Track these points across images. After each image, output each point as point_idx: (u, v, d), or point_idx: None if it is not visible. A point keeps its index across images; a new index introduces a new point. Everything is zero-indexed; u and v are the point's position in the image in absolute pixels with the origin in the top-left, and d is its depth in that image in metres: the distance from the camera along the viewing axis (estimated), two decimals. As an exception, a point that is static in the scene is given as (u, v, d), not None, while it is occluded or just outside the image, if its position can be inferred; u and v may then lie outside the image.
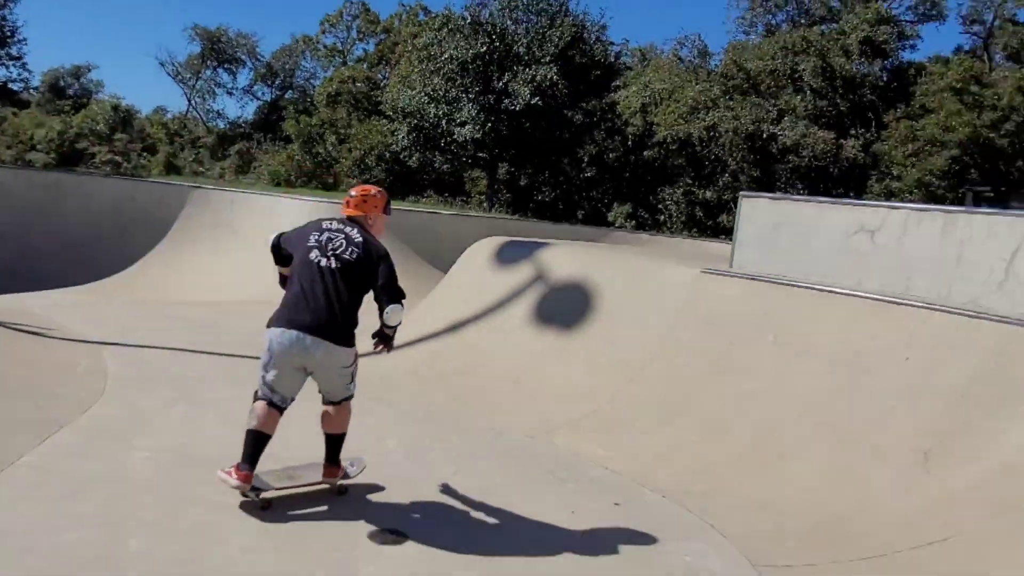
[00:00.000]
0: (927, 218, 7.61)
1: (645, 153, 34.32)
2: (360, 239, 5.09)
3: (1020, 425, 5.28)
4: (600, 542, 5.12)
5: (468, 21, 32.25)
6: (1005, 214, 7.29)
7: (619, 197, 35.37)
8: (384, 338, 5.04)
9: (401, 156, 34.79)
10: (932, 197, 27.07)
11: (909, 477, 5.45)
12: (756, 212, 9.59)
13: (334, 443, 5.24)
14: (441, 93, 32.15)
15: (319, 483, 5.29)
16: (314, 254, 4.99)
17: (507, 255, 11.88)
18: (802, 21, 36.22)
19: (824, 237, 8.54)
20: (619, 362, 8.59)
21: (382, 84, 44.89)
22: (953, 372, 6.07)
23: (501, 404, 8.48)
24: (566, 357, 9.19)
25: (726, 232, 27.61)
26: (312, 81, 58.19)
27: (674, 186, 33.45)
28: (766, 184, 30.10)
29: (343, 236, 5.09)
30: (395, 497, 5.49)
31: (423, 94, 32.33)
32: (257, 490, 4.95)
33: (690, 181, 33.17)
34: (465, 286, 11.96)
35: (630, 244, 21.54)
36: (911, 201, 26.78)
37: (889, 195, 28.18)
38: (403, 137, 33.30)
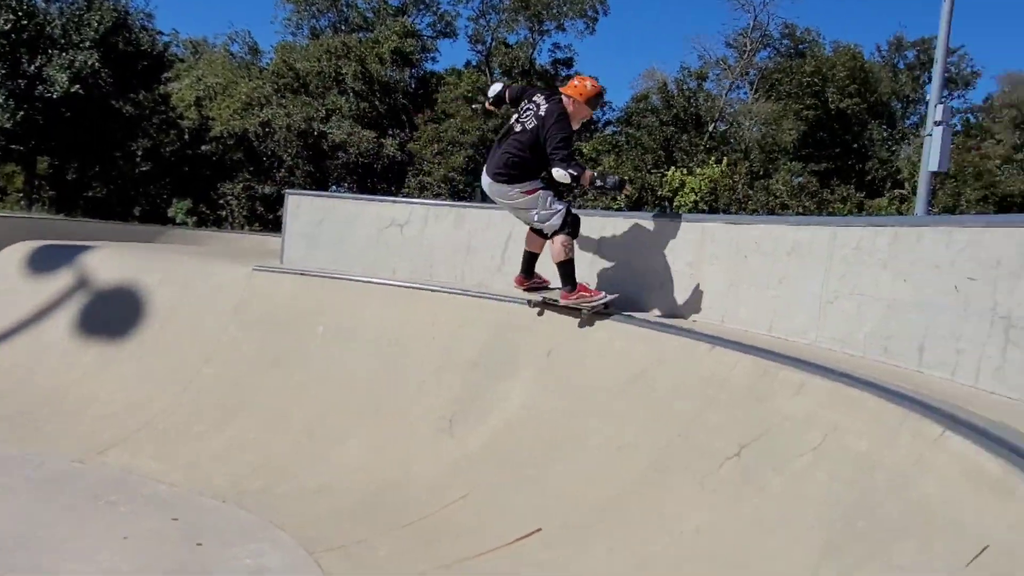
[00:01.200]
0: (443, 212, 8.22)
1: (203, 147, 32.26)
2: (544, 113, 5.89)
3: (518, 386, 5.97)
4: (156, 561, 4.63)
5: (-15, -7, 26.90)
6: (501, 208, 8.16)
7: (179, 192, 32.82)
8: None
9: (-93, 148, 27.97)
10: (455, 191, 29.76)
11: (438, 444, 5.84)
12: (301, 209, 9.48)
13: (561, 269, 6.15)
14: (-44, 73, 26.44)
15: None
16: (513, 121, 6.17)
17: (43, 261, 10.20)
18: (342, 28, 36.98)
19: (363, 230, 8.75)
20: (174, 368, 7.88)
21: None
22: (467, 346, 6.64)
23: (42, 428, 7.24)
24: (116, 368, 8.17)
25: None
26: None
27: (234, 181, 32.02)
28: (321, 179, 30.35)
29: (534, 107, 6.00)
30: None
31: (-66, 74, 26.29)
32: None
33: (249, 176, 32.05)
34: (-7, 298, 9.99)
35: (192, 242, 20.02)
36: (439, 195, 29.17)
37: (423, 189, 30.30)
38: (-92, 124, 26.75)
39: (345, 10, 37.77)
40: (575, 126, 6.05)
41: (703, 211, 25.03)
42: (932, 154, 14.03)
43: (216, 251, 13.78)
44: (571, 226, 6.03)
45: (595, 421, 5.27)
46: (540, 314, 6.51)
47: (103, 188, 33.52)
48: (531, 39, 37.13)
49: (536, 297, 6.48)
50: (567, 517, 4.52)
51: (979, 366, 3.91)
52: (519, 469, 5.09)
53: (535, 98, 6.11)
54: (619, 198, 23.60)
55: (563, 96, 6.04)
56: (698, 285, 6.18)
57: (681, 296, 6.31)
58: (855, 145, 36.15)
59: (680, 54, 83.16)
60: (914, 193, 19.79)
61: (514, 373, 6.10)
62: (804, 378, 4.21)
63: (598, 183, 5.80)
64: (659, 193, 26.85)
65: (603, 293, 6.06)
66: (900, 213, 26.98)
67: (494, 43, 37.42)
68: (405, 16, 36.24)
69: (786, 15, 55.37)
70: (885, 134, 36.07)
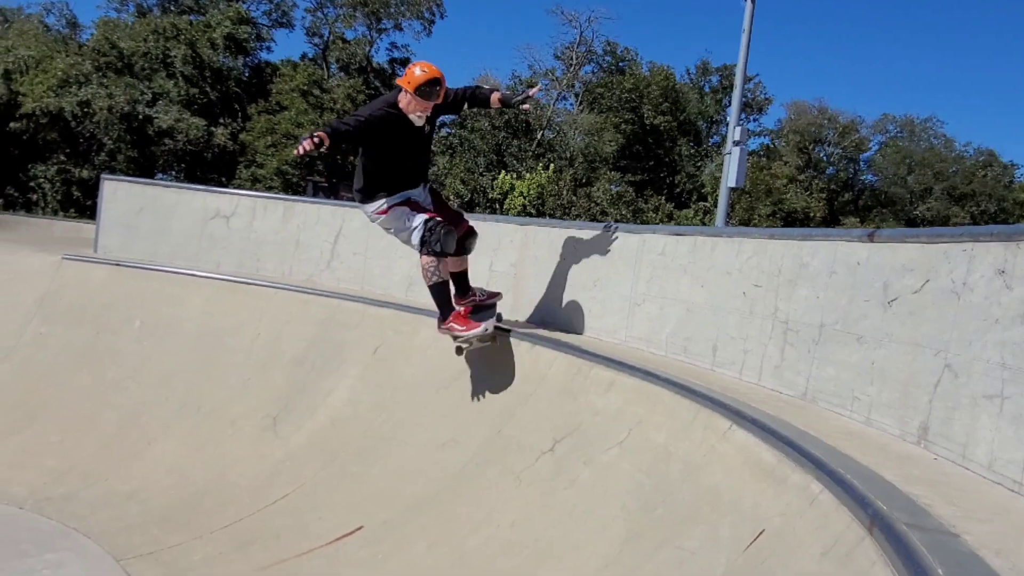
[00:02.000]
0: (272, 205, 7.81)
1: (11, 125, 28.74)
2: None
3: (344, 383, 5.77)
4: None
5: None
6: (331, 203, 7.89)
7: (-17, 173, 29.12)
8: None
9: None
10: (288, 184, 28.55)
11: (261, 443, 5.53)
12: (119, 196, 8.67)
13: (431, 291, 5.02)
14: None
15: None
16: None
17: None
18: (172, 8, 34.32)
19: (186, 221, 8.13)
20: (-38, 364, 6.96)
21: None
22: (294, 342, 6.35)
23: None
24: None
25: (104, 211, 24.86)
26: None
27: (47, 163, 28.82)
28: (145, 166, 28.04)
29: None
30: None
31: None
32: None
33: (65, 159, 28.96)
34: None
35: (-8, 225, 17.80)
36: (272, 188, 27.88)
37: (255, 181, 28.80)
38: None
39: (176, -11, 35.13)
40: (419, 114, 4.88)
41: (530, 215, 25.62)
42: (731, 171, 15.11)
43: (22, 237, 12.32)
44: (431, 243, 4.83)
45: (419, 418, 5.19)
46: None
47: None
48: (369, 37, 36.31)
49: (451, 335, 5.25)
50: (388, 514, 4.42)
51: (762, 364, 4.21)
52: (343, 467, 4.92)
53: None
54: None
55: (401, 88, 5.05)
56: (521, 286, 6.26)
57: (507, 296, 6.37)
58: (667, 159, 38.41)
59: (512, 63, 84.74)
60: (715, 206, 21.31)
61: (340, 370, 5.89)
62: (614, 376, 4.36)
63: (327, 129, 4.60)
64: (490, 195, 27.16)
65: (481, 326, 5.02)
66: (703, 224, 28.96)
67: (331, 37, 36.22)
68: (239, 1, 34.22)
69: (609, 33, 57.73)
70: (692, 150, 38.59)
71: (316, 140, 4.19)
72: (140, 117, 28.42)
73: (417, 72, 4.80)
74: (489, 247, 6.47)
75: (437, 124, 5.24)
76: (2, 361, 6.89)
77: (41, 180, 28.56)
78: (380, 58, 37.49)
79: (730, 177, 15.20)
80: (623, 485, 3.58)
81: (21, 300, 7.59)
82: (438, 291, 4.98)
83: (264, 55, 35.92)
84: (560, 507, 3.74)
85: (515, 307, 6.29)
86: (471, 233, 5.21)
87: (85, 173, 28.29)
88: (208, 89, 31.18)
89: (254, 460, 5.35)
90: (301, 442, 5.35)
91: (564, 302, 5.94)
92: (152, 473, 5.53)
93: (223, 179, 28.75)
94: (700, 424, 3.51)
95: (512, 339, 5.39)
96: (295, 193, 27.62)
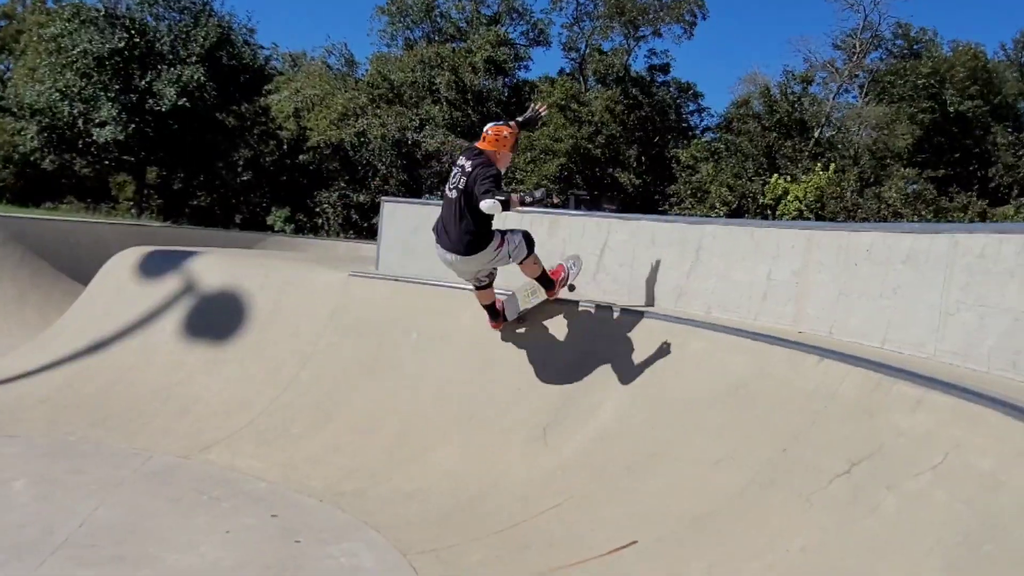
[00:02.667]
0: (537, 220, 8.26)
1: (300, 157, 33.58)
2: (470, 169, 6.02)
3: (613, 397, 5.94)
4: (257, 556, 4.84)
5: (103, 13, 28.82)
6: (596, 215, 8.17)
7: (277, 201, 34.26)
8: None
9: (31, 158, 30.21)
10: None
11: (531, 452, 5.87)
12: (396, 216, 9.74)
13: (539, 279, 6.75)
14: (76, 90, 28.41)
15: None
16: (447, 188, 6.26)
17: (153, 265, 10.80)
18: (436, 38, 37.80)
19: (457, 239, 8.88)
20: (273, 371, 8.21)
21: (5, 77, 38.65)
22: (564, 354, 6.66)
23: (149, 424, 7.68)
24: (219, 369, 8.58)
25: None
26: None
27: (330, 190, 33.17)
28: (413, 187, 31.05)
29: (460, 170, 6.14)
30: (23, 544, 4.69)
31: (54, 90, 28.30)
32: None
33: (344, 185, 33.13)
34: (107, 300, 10.64)
35: (289, 249, 20.85)
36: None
37: (515, 195, 30.52)
38: (31, 137, 28.94)
39: (439, 21, 38.65)
40: (502, 169, 6.20)
41: (808, 220, 24.27)
42: (1065, 158, 13.17)
43: (313, 257, 14.28)
44: (532, 245, 6.44)
45: (692, 434, 5.19)
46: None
47: (207, 197, 35.36)
48: (626, 45, 37.00)
49: (519, 317, 7.05)
50: (663, 531, 4.47)
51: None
52: (614, 480, 5.07)
53: (459, 161, 6.27)
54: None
55: (484, 152, 6.18)
56: (804, 295, 6.01)
57: (785, 306, 6.14)
58: (976, 150, 34.31)
59: (783, 57, 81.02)
60: (1044, 201, 18.58)
61: (609, 383, 6.07)
62: (922, 393, 4.03)
63: (527, 200, 5.81)
64: (761, 201, 26.20)
65: (565, 268, 6.82)
66: (1028, 223, 25.40)
67: (588, 50, 37.45)
68: (498, 25, 36.76)
69: (899, 14, 52.91)
70: (1011, 138, 34.08)
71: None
72: (409, 142, 31.61)
73: (506, 133, 6.34)
74: (768, 255, 6.31)
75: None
76: (304, 367, 8.04)
77: (325, 205, 32.88)
78: (638, 66, 38.01)
79: (1067, 166, 13.20)
80: (938, 516, 3.30)
81: (318, 313, 8.79)
82: (544, 274, 6.74)
83: (522, 74, 38.16)
84: (860, 536, 3.53)
85: (798, 318, 6.05)
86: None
87: (362, 197, 32.08)
88: (470, 112, 33.81)
89: (525, 469, 5.70)
90: (571, 453, 5.60)
91: (856, 311, 5.60)
92: (430, 476, 6.12)
93: (484, 197, 30.82)
94: (1039, 450, 3.14)
95: (796, 352, 5.19)
96: (555, 207, 28.84)
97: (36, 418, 7.81)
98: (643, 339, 6.31)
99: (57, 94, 28.25)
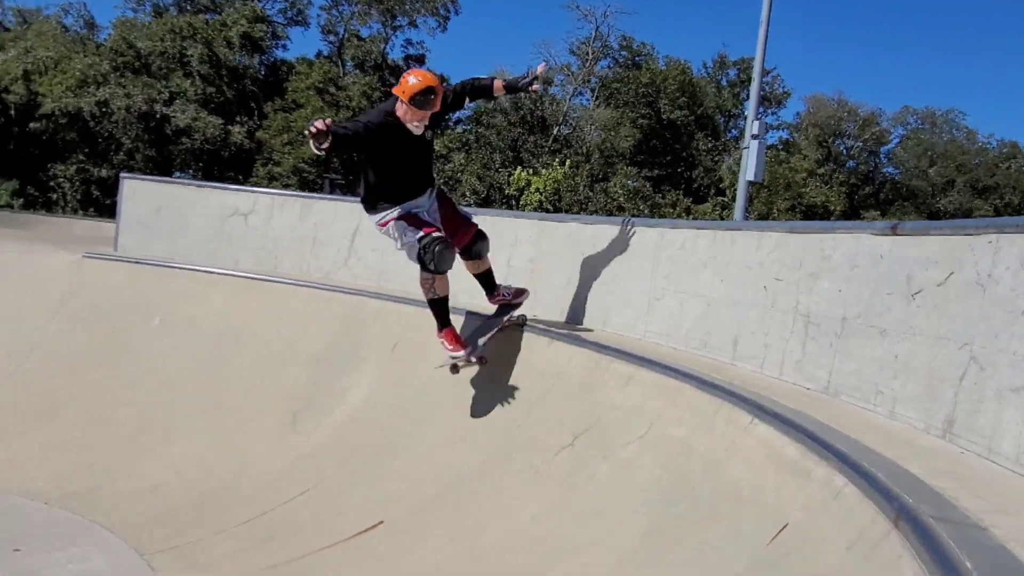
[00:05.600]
0: (289, 203, 7.87)
1: (31, 125, 29.17)
2: None
3: (363, 380, 5.80)
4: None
5: None
6: (349, 200, 7.92)
7: (3, 173, 29.55)
8: None
9: None
10: (304, 182, 28.70)
11: (281, 439, 5.57)
12: (138, 194, 8.77)
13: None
14: None
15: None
16: None
17: None
18: (188, 8, 34.60)
19: (204, 219, 8.21)
20: (-13, 361, 7.07)
21: None
22: (313, 340, 6.39)
23: None
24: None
25: (122, 211, 25.14)
26: None
27: (67, 163, 29.21)
28: (163, 165, 28.32)
29: None
30: None
31: None
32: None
33: (84, 158, 29.34)
34: None
35: (16, 226, 18.04)
36: (289, 185, 28.03)
37: (272, 179, 29.00)
38: None
39: (192, -11, 35.44)
40: (416, 123, 4.72)
41: (547, 210, 25.61)
42: (749, 165, 14.99)
43: (43, 236, 12.49)
44: (426, 261, 4.79)
45: (436, 415, 5.21)
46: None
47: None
48: (384, 34, 36.41)
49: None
50: (407, 510, 4.44)
51: (783, 359, 4.19)
52: (362, 464, 4.96)
53: None
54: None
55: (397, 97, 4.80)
56: (538, 281, 6.26)
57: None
58: (684, 154, 38.23)
59: (528, 59, 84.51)
60: (734, 201, 21.18)
61: (359, 367, 5.93)
62: (633, 370, 4.35)
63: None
64: (506, 192, 27.18)
65: (463, 351, 5.02)
66: (721, 219, 28.80)
67: (347, 35, 36.36)
68: (255, 0, 34.47)
69: (624, 28, 57.35)
70: (710, 145, 38.37)
71: (323, 125, 4.08)
72: (158, 116, 28.74)
73: (411, 81, 4.62)
74: (507, 243, 6.48)
75: (443, 124, 5.07)
76: (29, 358, 6.99)
77: (61, 179, 28.96)
78: (395, 55, 37.62)
79: (748, 171, 15.07)
80: (643, 480, 3.57)
81: (43, 298, 7.70)
82: (433, 306, 5.06)
83: (280, 53, 36.22)
84: (580, 502, 3.74)
85: (533, 302, 6.28)
86: (478, 238, 5.13)
87: (104, 172, 28.65)
88: (224, 88, 31.45)
89: (273, 456, 5.40)
90: (321, 439, 5.39)
91: (582, 297, 5.93)
92: (172, 468, 5.60)
93: (240, 177, 28.97)
94: (721, 418, 3.50)
95: (530, 334, 5.39)
96: (312, 191, 27.77)
97: None
98: (394, 323, 6.23)
99: None
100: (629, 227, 5.67)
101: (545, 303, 6.22)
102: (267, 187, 25.22)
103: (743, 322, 4.50)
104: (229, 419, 5.97)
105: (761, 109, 21.98)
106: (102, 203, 28.38)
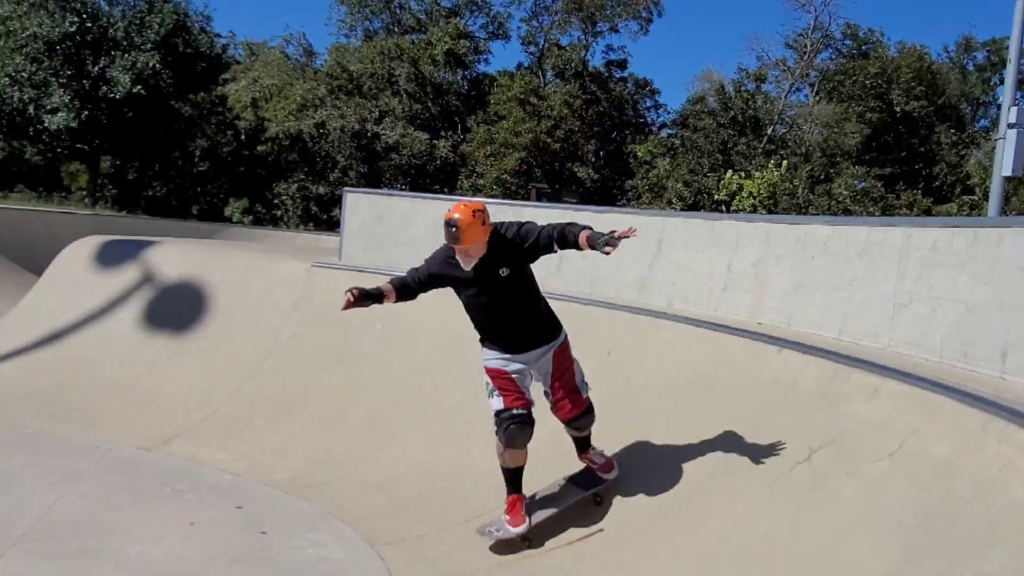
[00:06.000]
0: (500, 211, 8.24)
1: (259, 148, 33.00)
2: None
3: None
4: (224, 548, 4.76)
5: (52, -4, 27.92)
6: (555, 207, 8.19)
7: (235, 192, 33.66)
8: None
9: (-19, 146, 29.20)
10: (508, 192, 29.83)
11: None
12: (359, 206, 9.64)
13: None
14: (26, 75, 27.44)
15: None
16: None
17: (110, 255, 10.53)
18: (395, 29, 37.43)
19: (420, 228, 8.84)
20: (235, 361, 8.08)
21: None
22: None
23: (109, 417, 7.49)
24: (180, 360, 8.41)
25: (339, 225, 27.64)
26: None
27: (288, 181, 32.65)
28: (373, 179, 30.73)
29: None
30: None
31: (3, 75, 27.31)
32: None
33: (304, 176, 32.64)
34: (63, 291, 10.34)
35: (247, 240, 20.50)
36: (492, 196, 29.28)
37: (476, 190, 30.44)
38: (-20, 123, 27.93)
39: (398, 12, 38.23)
40: (463, 257, 4.62)
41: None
42: (1005, 158, 13.56)
43: (273, 248, 14.07)
44: (498, 434, 4.69)
45: (657, 423, 5.24)
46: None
47: (163, 187, 34.54)
48: (584, 41, 37.03)
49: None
50: (629, 519, 4.51)
51: (1067, 372, 3.78)
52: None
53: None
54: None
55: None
56: (762, 286, 6.11)
57: (744, 297, 6.24)
58: (922, 149, 35.17)
59: (737, 55, 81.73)
60: (985, 199, 19.17)
61: (574, 372, 6.08)
62: (879, 382, 4.13)
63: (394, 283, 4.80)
64: (716, 197, 26.52)
65: (518, 528, 4.56)
66: (969, 219, 26.09)
67: (547, 44, 37.43)
68: (458, 18, 36.54)
69: (848, 15, 53.76)
70: (954, 138, 35.02)
71: (350, 297, 4.54)
72: (368, 135, 31.25)
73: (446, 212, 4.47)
74: (727, 247, 6.39)
75: (525, 261, 4.69)
76: (267, 359, 7.92)
77: (284, 197, 32.36)
78: (596, 61, 38.11)
79: (1005, 165, 13.62)
80: (897, 500, 3.38)
81: (278, 303, 8.67)
82: (504, 471, 4.79)
83: (482, 67, 38.02)
84: (822, 521, 3.61)
85: (756, 308, 6.15)
86: (584, 414, 4.73)
87: (321, 189, 31.66)
88: (430, 104, 33.57)
89: (492, 458, 5.68)
90: (537, 444, 5.60)
91: (812, 303, 5.71)
92: (397, 466, 6.08)
93: (444, 190, 30.73)
94: (992, 436, 3.23)
95: (756, 343, 5.28)
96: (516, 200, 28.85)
97: (-11, 411, 7.58)
98: (609, 329, 6.35)
99: (6, 79, 27.28)
100: (869, 228, 5.39)
101: (769, 311, 6.05)
102: (473, 198, 26.52)
103: (1015, 329, 4.11)
104: (447, 422, 6.38)
105: (1019, 94, 19.73)
106: (320, 218, 31.37)
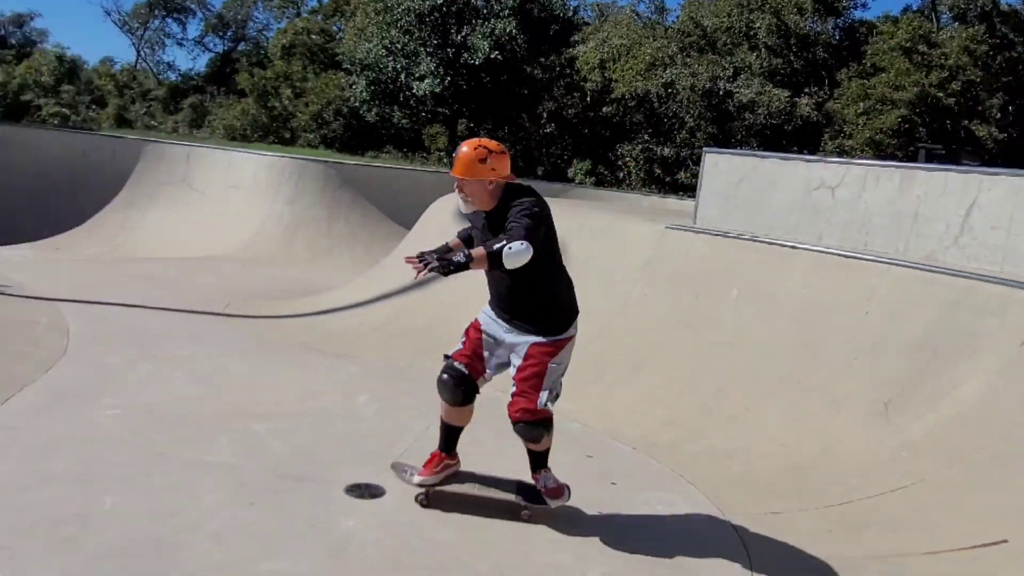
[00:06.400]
0: (885, 174, 7.71)
1: (604, 110, 34.19)
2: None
3: (977, 377, 5.42)
4: (575, 490, 5.17)
5: (424, -28, 31.50)
6: (960, 170, 7.41)
7: (579, 154, 35.30)
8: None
9: (359, 111, 34.14)
10: (883, 155, 27.43)
11: (871, 427, 5.58)
12: (719, 168, 9.62)
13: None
14: (399, 46, 31.49)
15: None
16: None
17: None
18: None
19: (785, 193, 8.60)
20: (586, 316, 8.56)
21: (338, 36, 43.88)
22: (911, 325, 6.19)
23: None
24: (533, 311, 9.17)
25: (683, 188, 27.70)
26: (265, 33, 56.83)
27: (632, 143, 33.41)
28: (722, 141, 30.23)
29: None
30: (369, 452, 5.47)
31: (380, 47, 31.61)
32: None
33: (648, 138, 33.14)
34: (430, 243, 11.77)
35: (591, 200, 21.50)
36: (863, 158, 27.17)
37: (842, 152, 28.52)
38: (361, 91, 32.63)
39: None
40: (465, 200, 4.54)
41: None
42: None
43: (619, 209, 14.59)
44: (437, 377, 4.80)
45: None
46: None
47: (512, 148, 37.32)
48: (996, -27, 32.50)
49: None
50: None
51: None
52: (977, 469, 4.67)
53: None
54: None
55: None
56: None
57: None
58: None
59: None
60: None
61: (972, 361, 5.55)
62: None
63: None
64: None
65: (431, 479, 4.78)
66: None
67: (945, -18, 33.57)
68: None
69: None
70: None
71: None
72: (720, 93, 30.75)
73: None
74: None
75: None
76: (619, 316, 8.32)
77: (627, 159, 33.22)
78: (1012, -1, 33.20)
79: None
80: None
81: (630, 263, 9.02)
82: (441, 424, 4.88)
83: (858, 13, 35.26)
84: None
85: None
86: (533, 423, 4.55)
87: (666, 151, 31.93)
88: (792, 58, 32.05)
89: (861, 444, 5.45)
90: (919, 434, 5.24)
91: None
92: (751, 438, 6.07)
93: (804, 152, 29.27)
94: None
95: None
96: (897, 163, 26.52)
97: (371, 344, 8.97)
98: (1017, 315, 5.67)
99: (383, 50, 31.44)
100: None
101: None
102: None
103: None
104: (811, 398, 6.20)
105: None
106: (663, 180, 31.72)
